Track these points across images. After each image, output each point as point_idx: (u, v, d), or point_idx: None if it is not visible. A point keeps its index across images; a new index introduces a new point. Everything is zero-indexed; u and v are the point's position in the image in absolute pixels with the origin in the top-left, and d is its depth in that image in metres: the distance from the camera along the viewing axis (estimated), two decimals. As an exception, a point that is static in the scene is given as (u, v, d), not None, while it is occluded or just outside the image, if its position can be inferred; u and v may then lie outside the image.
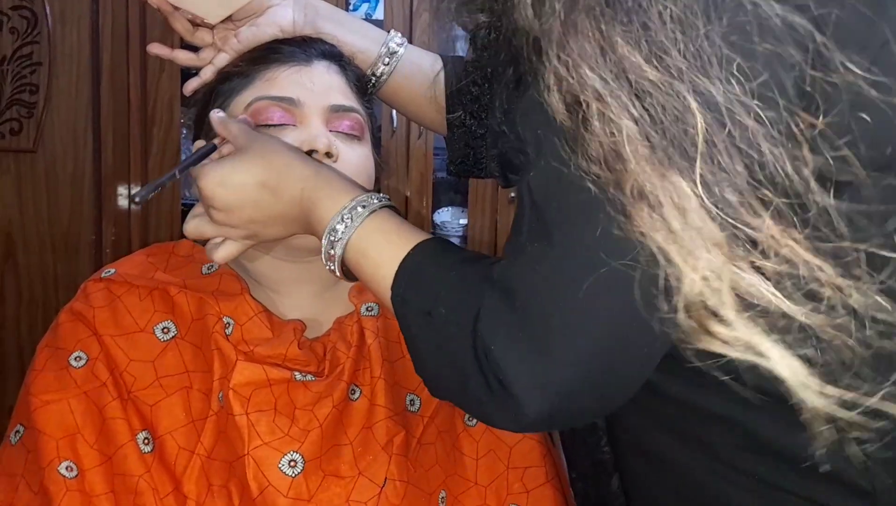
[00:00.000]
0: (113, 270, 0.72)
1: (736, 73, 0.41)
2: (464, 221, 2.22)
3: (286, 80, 0.71)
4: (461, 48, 2.21)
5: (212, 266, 0.73)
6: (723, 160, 0.41)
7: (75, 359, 0.67)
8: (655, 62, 0.41)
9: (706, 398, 0.53)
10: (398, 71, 0.81)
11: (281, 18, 0.75)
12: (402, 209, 2.12)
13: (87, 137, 1.76)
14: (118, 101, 1.78)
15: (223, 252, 0.66)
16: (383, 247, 0.58)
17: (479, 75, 0.67)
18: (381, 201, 0.61)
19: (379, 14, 2.17)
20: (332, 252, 0.59)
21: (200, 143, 0.76)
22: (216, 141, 0.66)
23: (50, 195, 1.76)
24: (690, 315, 0.42)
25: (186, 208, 1.95)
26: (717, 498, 0.55)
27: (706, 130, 0.41)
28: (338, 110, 0.72)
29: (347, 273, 0.61)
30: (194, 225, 0.66)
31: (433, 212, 2.20)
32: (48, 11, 1.68)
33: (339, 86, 0.74)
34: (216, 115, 0.67)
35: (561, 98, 0.44)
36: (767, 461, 0.52)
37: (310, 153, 0.69)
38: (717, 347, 0.43)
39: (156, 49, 0.78)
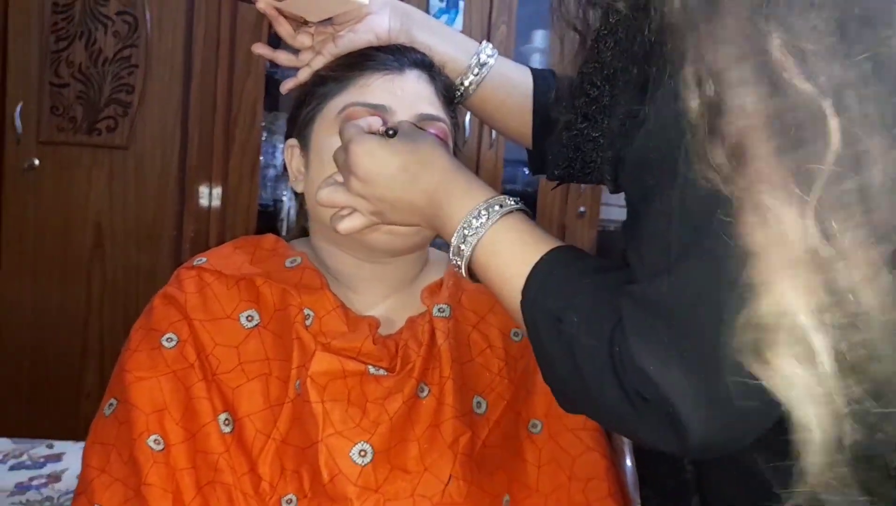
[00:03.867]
0: (204, 259, 0.76)
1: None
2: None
3: (379, 88, 0.74)
4: (537, 61, 2.22)
5: (294, 260, 0.76)
6: (842, 192, 0.40)
7: (167, 340, 0.71)
8: (804, 73, 0.41)
9: None
10: (487, 81, 0.83)
11: (377, 26, 0.78)
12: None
13: (175, 136, 1.85)
14: (205, 103, 1.87)
15: (348, 223, 0.67)
16: (516, 247, 0.58)
17: (597, 76, 0.64)
18: (516, 203, 0.61)
19: (458, 26, 2.21)
20: (463, 248, 0.59)
21: (292, 141, 0.80)
22: (389, 129, 0.67)
23: (138, 190, 1.86)
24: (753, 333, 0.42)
25: (262, 209, 2.03)
26: None
27: (837, 155, 0.40)
28: (426, 119, 0.74)
29: (470, 272, 0.61)
30: (327, 192, 0.68)
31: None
32: (148, 17, 1.79)
33: (427, 95, 0.76)
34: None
35: (697, 97, 0.43)
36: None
37: None
38: (760, 372, 0.42)
39: (260, 49, 0.82)
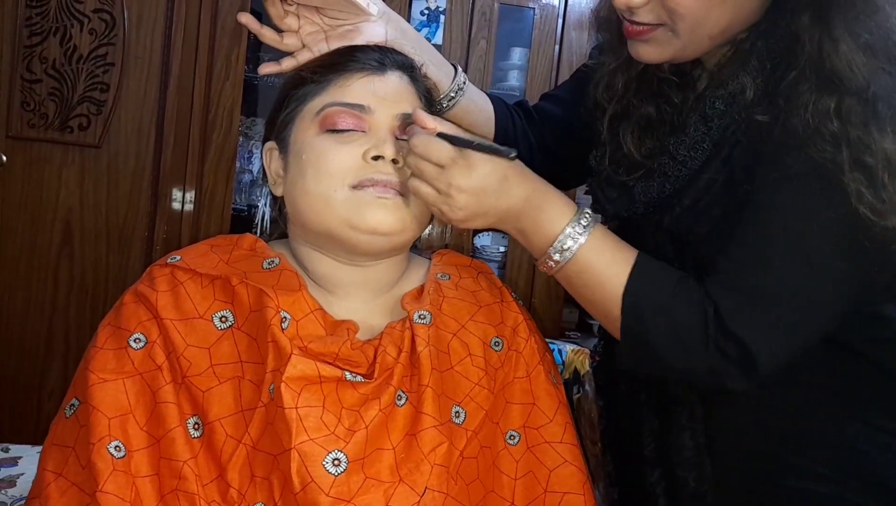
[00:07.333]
0: (178, 257, 0.73)
1: None
2: (503, 249, 2.22)
3: (359, 88, 0.73)
4: (515, 77, 2.23)
5: (273, 261, 0.74)
6: None
7: (135, 341, 0.68)
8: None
9: None
10: (459, 104, 0.86)
11: (375, 35, 0.79)
12: (441, 233, 2.13)
13: (150, 137, 1.82)
14: (182, 106, 1.83)
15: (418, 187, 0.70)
16: (616, 247, 0.72)
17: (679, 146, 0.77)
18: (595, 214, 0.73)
19: (437, 39, 2.21)
20: (566, 246, 0.70)
21: (270, 144, 0.78)
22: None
23: (110, 190, 1.81)
24: None
25: (236, 213, 2.00)
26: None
27: None
28: (406, 118, 0.74)
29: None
30: (418, 187, 0.69)
31: (474, 236, 2.21)
32: (126, 16, 1.76)
33: (409, 95, 0.75)
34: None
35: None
36: None
37: (376, 159, 0.71)
38: None
39: (245, 19, 0.81)
